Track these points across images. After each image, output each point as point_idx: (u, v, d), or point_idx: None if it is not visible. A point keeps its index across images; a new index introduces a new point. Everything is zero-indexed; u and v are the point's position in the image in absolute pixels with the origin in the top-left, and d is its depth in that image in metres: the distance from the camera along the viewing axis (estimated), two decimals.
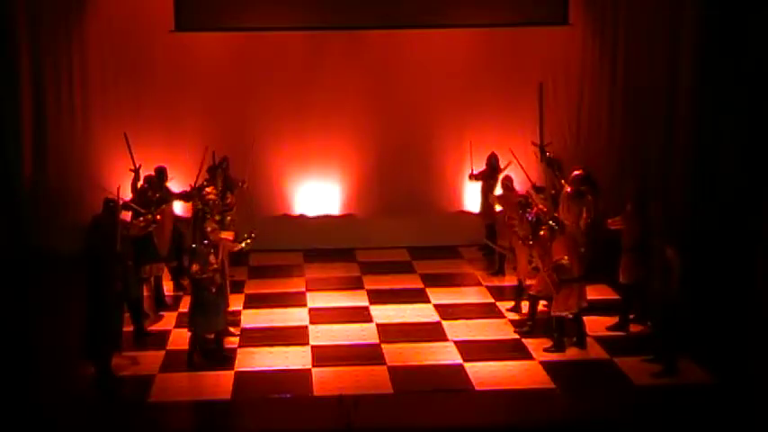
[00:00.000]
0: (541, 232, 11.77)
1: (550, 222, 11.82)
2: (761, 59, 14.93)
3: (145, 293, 12.78)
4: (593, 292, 13.28)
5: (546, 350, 11.56)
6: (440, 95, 15.89)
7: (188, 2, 15.36)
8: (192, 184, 13.66)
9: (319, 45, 15.73)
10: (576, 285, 11.48)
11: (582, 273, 11.54)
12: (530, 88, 15.99)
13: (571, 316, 11.58)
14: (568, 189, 12.93)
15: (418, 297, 13.59)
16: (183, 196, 13.88)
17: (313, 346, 11.80)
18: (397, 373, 11.01)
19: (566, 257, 11.37)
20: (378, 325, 12.55)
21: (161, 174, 13.61)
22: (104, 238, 10.82)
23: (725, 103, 15.51)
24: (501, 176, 14.74)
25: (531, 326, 12.14)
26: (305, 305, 13.34)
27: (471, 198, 15.95)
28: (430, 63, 15.82)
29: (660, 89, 16.02)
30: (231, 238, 12.41)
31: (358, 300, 13.55)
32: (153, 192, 12.91)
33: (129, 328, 11.81)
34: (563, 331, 11.63)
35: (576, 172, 13.05)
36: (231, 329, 12.06)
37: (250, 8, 15.40)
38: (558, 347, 11.56)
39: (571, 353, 11.56)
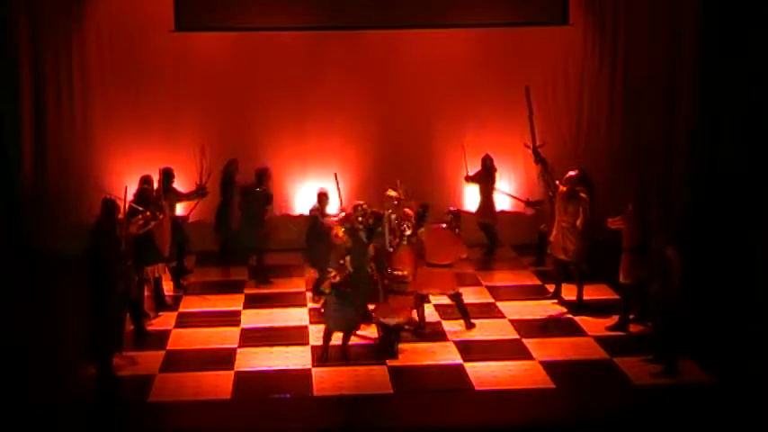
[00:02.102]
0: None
1: (406, 229, 11.70)
2: (761, 59, 14.92)
3: (145, 293, 12.78)
4: (594, 292, 13.33)
5: (391, 356, 11.42)
6: (439, 96, 15.89)
7: (188, 2, 15.35)
8: (198, 182, 13.85)
9: (319, 45, 15.73)
10: (410, 298, 11.50)
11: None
12: (530, 88, 16.02)
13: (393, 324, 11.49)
14: (563, 189, 12.93)
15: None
16: (190, 196, 13.97)
17: (313, 346, 11.79)
18: (397, 373, 11.02)
19: (405, 269, 11.35)
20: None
21: (167, 175, 13.63)
22: (107, 239, 10.84)
23: (725, 103, 15.51)
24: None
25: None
26: (305, 305, 13.33)
27: (471, 198, 15.97)
28: (430, 63, 15.82)
29: (660, 89, 16.03)
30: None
31: None
32: (160, 193, 12.96)
33: (128, 328, 11.81)
34: (393, 335, 11.53)
35: (572, 172, 13.05)
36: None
37: (250, 8, 15.40)
38: (392, 353, 11.44)
39: (571, 353, 11.54)
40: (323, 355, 11.35)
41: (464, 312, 12.36)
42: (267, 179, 14.34)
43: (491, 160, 15.21)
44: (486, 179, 15.27)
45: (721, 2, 15.31)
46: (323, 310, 11.87)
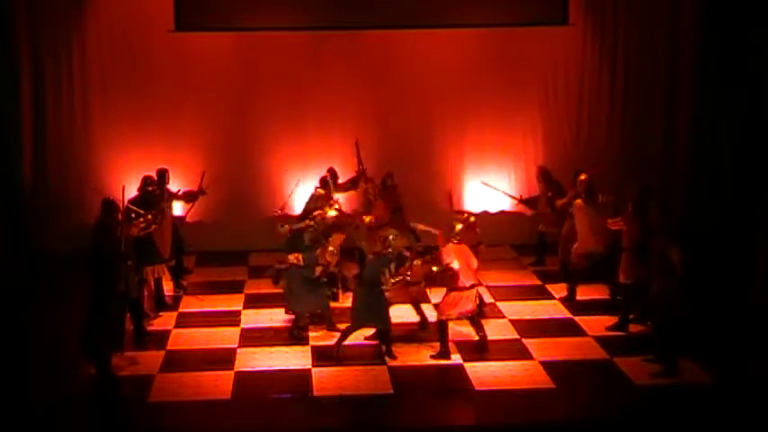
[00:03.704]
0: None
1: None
2: (761, 59, 14.92)
3: (145, 293, 12.77)
4: (594, 292, 13.33)
5: (433, 357, 11.42)
6: (440, 96, 15.89)
7: (188, 2, 15.35)
8: (197, 188, 13.89)
9: (319, 45, 15.73)
10: (466, 293, 11.44)
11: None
12: (530, 88, 16.04)
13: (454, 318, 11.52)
14: (579, 201, 13.00)
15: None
16: (185, 197, 13.94)
17: (313, 346, 11.80)
18: (397, 373, 11.01)
19: (455, 263, 11.30)
20: None
21: (162, 175, 13.61)
22: (108, 239, 10.84)
23: (725, 103, 15.51)
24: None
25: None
26: None
27: (471, 198, 15.98)
28: (430, 63, 15.82)
29: (660, 89, 16.03)
30: None
31: None
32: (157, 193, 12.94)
33: (128, 328, 11.81)
34: (446, 337, 11.49)
35: (586, 175, 13.10)
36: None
37: (250, 8, 15.40)
38: (444, 354, 11.41)
39: (571, 353, 11.54)
40: (336, 354, 11.30)
41: None
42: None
43: (390, 176, 14.56)
44: (385, 192, 14.60)
45: (721, 2, 15.31)
46: (350, 308, 11.70)
